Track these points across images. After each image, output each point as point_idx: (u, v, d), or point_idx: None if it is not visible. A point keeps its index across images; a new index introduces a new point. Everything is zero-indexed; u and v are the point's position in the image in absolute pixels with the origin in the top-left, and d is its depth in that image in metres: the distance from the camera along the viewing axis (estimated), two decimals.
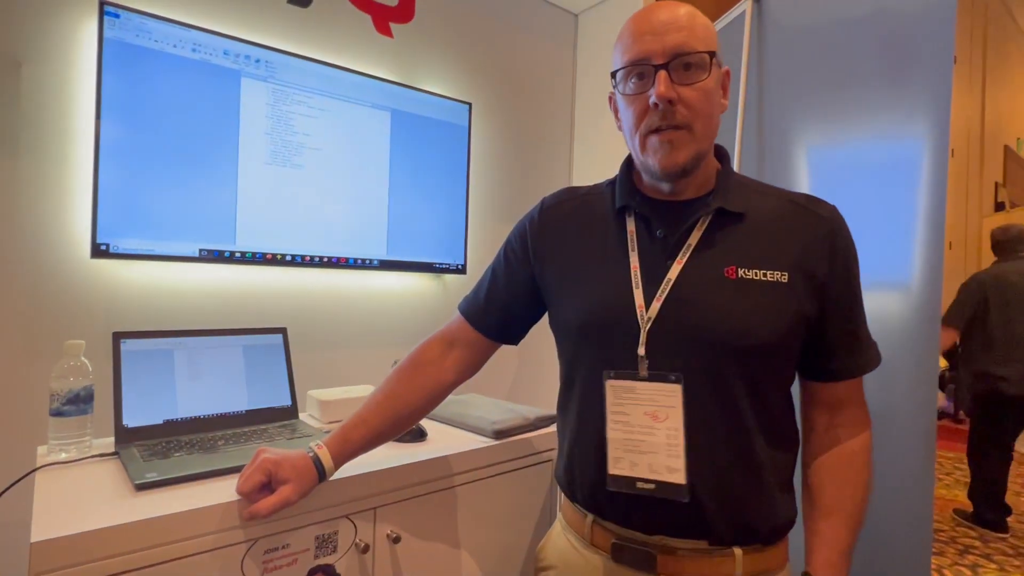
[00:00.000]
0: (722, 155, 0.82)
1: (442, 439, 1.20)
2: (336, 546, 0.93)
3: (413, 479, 1.03)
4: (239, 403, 1.18)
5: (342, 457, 0.87)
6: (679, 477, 0.71)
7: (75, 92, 1.25)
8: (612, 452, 0.74)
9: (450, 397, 1.03)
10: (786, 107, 1.57)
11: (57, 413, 0.99)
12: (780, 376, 0.76)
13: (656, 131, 0.73)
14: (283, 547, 0.88)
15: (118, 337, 1.09)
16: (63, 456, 0.99)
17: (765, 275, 0.72)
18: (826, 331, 0.76)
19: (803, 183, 1.52)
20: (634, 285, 0.76)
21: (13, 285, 1.19)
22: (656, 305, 0.73)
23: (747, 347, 0.71)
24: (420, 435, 1.18)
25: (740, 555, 0.73)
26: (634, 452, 0.73)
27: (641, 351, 0.73)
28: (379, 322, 1.73)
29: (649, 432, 0.73)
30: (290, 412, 1.24)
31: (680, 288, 0.73)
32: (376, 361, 1.70)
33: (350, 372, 1.64)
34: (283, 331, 1.30)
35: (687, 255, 0.75)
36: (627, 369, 0.74)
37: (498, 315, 0.92)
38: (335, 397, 1.29)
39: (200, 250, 1.37)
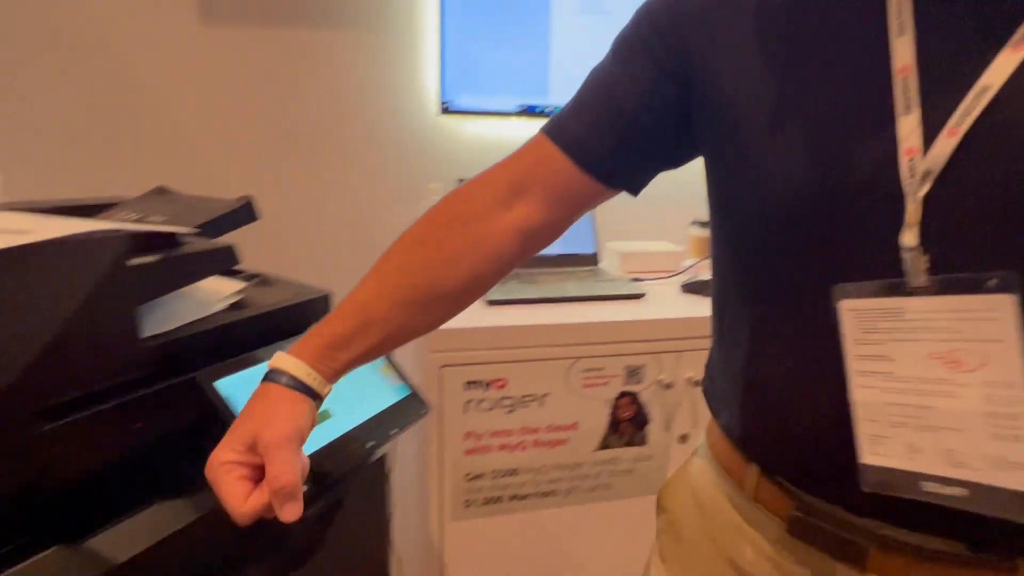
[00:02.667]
0: None
1: None
2: (642, 378, 1.03)
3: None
4: (552, 246, 1.32)
5: (332, 374, 0.50)
6: (1017, 477, 0.36)
7: None
8: (865, 427, 0.41)
9: None
10: None
11: None
12: None
13: None
14: (599, 369, 1.00)
15: (461, 183, 1.30)
16: None
17: None
18: None
19: None
20: (898, 106, 0.39)
21: (382, 140, 1.48)
22: (948, 143, 0.38)
23: None
24: None
25: None
26: (910, 427, 0.40)
27: (910, 239, 0.38)
28: (680, 176, 1.70)
29: (944, 391, 0.39)
30: (592, 259, 1.35)
31: (1006, 107, 0.37)
32: (676, 218, 1.69)
33: (646, 229, 1.68)
34: None
35: None
36: (881, 275, 0.40)
37: (622, 143, 0.52)
38: (636, 250, 1.35)
39: (518, 106, 1.50)
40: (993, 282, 0.36)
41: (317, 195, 1.39)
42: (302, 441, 0.46)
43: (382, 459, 0.80)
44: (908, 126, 0.39)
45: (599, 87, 0.53)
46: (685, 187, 1.69)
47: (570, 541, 1.07)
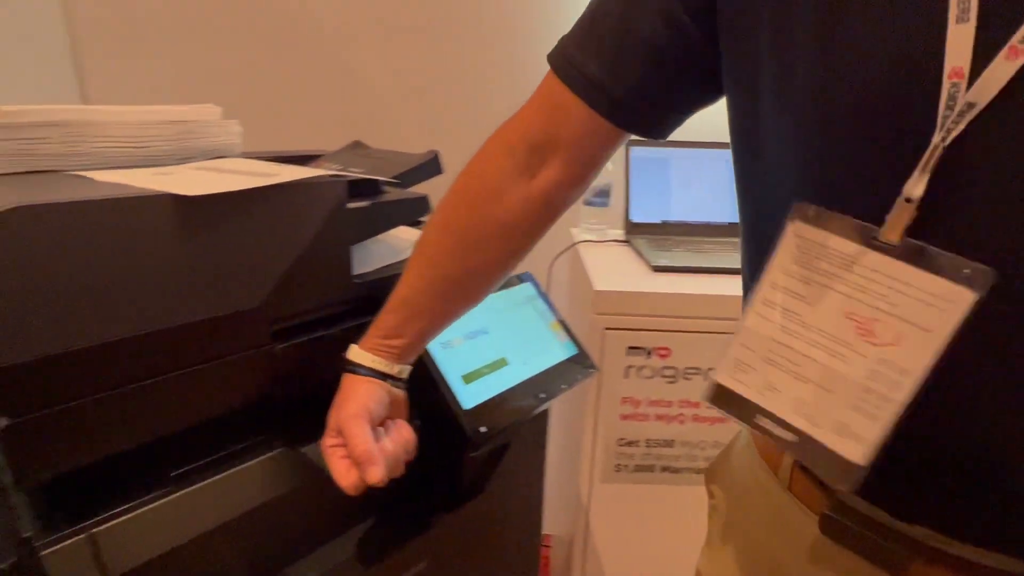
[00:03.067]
0: None
1: None
2: None
3: None
4: (722, 214, 1.24)
5: (396, 357, 0.54)
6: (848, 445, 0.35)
7: None
8: (738, 351, 0.40)
9: None
10: None
11: (588, 203, 1.24)
12: None
13: None
14: None
15: (629, 144, 1.25)
16: (589, 237, 1.25)
17: None
18: None
19: None
20: (952, 9, 0.29)
21: None
22: (1004, 68, 0.28)
23: None
24: None
25: None
26: (780, 369, 0.38)
27: (913, 188, 0.31)
28: None
29: (838, 352, 0.36)
30: None
31: None
32: None
33: None
34: None
35: None
36: (863, 215, 0.34)
37: (648, 83, 0.44)
38: None
39: None
40: (966, 272, 0.31)
41: None
42: (372, 416, 0.50)
43: (545, 412, 0.82)
44: (959, 39, 0.29)
45: (611, 15, 0.44)
46: None
47: None
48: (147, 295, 0.46)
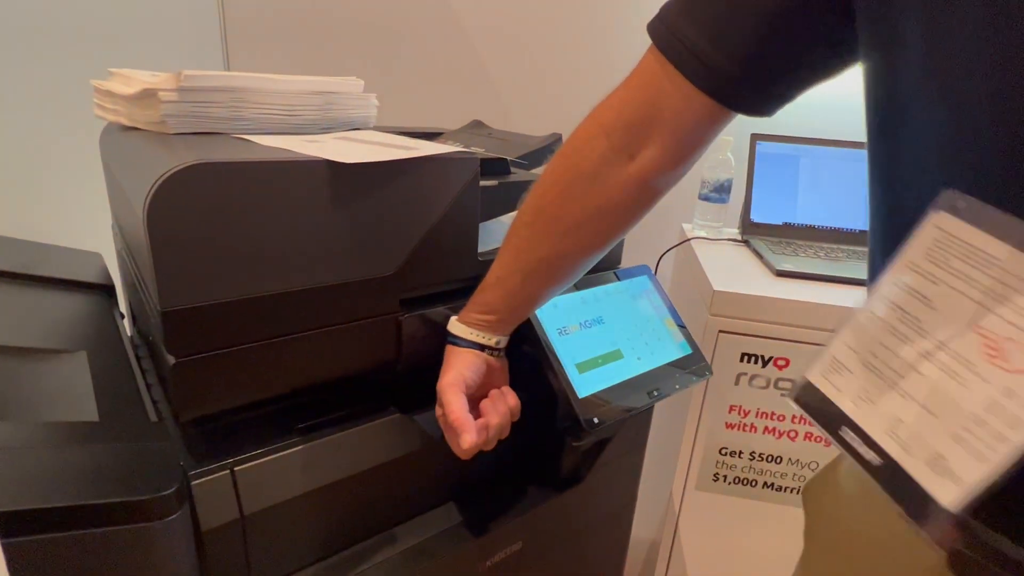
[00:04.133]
0: None
1: None
2: None
3: None
4: (853, 220, 1.14)
5: (494, 330, 0.56)
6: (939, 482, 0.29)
7: None
8: (838, 348, 0.35)
9: None
10: None
11: (704, 198, 1.18)
12: None
13: None
14: None
15: (755, 138, 1.18)
16: (702, 234, 1.19)
17: None
18: None
19: None
20: None
21: None
22: None
23: None
24: None
25: None
26: (882, 379, 0.32)
27: None
28: None
29: (956, 372, 0.30)
30: None
31: None
32: None
33: None
34: None
35: None
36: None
37: (756, 54, 0.40)
38: None
39: None
40: None
41: None
42: (468, 384, 0.53)
43: (649, 410, 0.80)
44: None
45: None
46: None
47: None
48: (299, 255, 0.48)
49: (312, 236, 0.49)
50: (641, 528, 1.30)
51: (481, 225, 0.66)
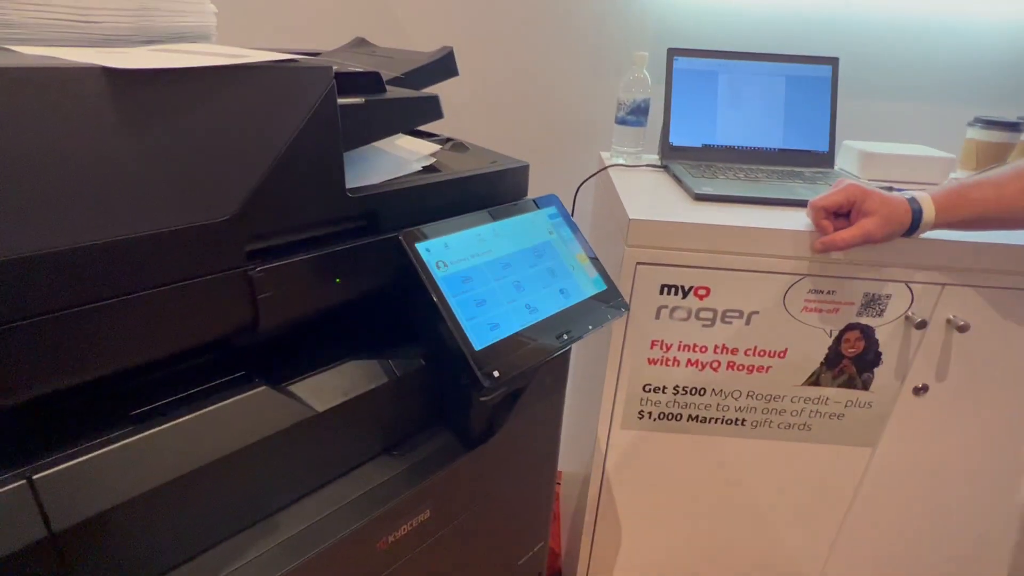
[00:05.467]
0: None
1: None
2: (884, 310, 0.83)
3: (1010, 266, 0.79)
4: (774, 140, 1.10)
5: (950, 214, 0.72)
6: None
7: None
8: None
9: None
10: None
11: (621, 122, 1.10)
12: None
13: None
14: (828, 292, 0.82)
15: (672, 53, 1.10)
16: (621, 161, 1.12)
17: None
18: None
19: None
20: None
21: (583, 4, 1.30)
22: None
23: None
24: None
25: None
26: None
27: None
28: (955, 76, 1.31)
29: None
30: (825, 159, 1.10)
31: None
32: (943, 124, 1.33)
33: (900, 128, 1.34)
34: (834, 62, 1.10)
35: None
36: None
37: None
38: (882, 151, 1.07)
39: None
40: None
41: (514, 64, 1.27)
42: (862, 209, 0.74)
43: (567, 352, 0.74)
44: None
45: None
46: (963, 75, 1.31)
47: (748, 477, 0.96)
48: (90, 198, 0.37)
49: (104, 172, 0.37)
50: (572, 464, 1.29)
51: (352, 154, 0.55)
